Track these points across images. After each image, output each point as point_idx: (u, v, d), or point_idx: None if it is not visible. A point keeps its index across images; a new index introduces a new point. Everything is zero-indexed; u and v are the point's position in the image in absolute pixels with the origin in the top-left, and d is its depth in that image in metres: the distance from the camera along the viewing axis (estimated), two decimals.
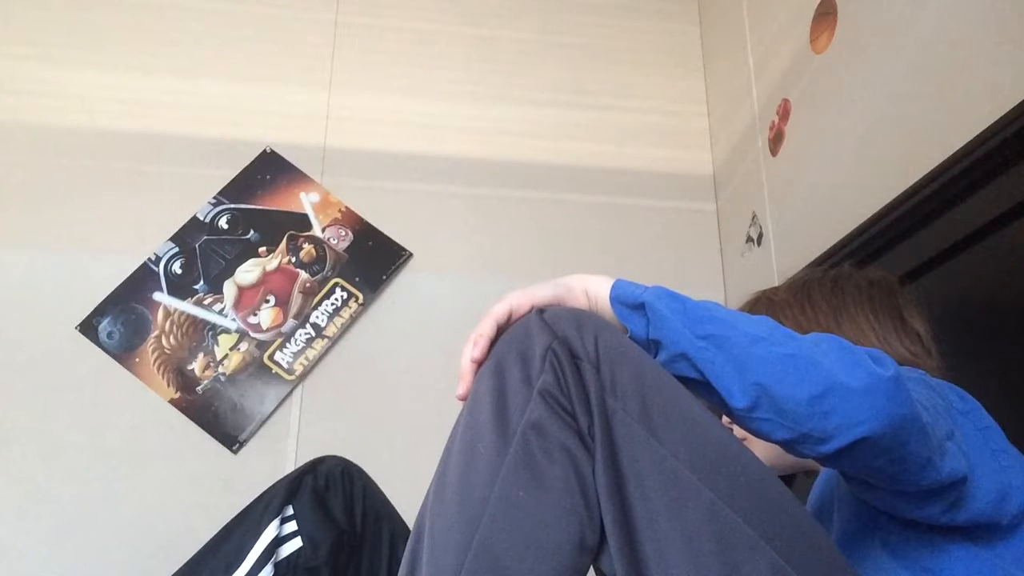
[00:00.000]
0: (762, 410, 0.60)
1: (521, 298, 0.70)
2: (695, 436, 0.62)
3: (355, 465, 1.17)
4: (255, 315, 1.79)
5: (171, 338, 1.75)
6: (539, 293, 0.71)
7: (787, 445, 0.61)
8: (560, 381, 0.63)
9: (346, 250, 1.87)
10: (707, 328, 0.63)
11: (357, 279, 1.85)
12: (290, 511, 1.08)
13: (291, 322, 1.79)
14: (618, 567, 0.59)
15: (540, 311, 0.68)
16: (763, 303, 0.93)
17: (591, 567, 0.64)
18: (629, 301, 0.69)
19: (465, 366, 0.68)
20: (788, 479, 1.01)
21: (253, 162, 1.90)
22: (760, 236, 1.77)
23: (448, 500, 0.62)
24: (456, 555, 0.59)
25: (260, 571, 1.04)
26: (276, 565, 1.05)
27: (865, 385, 0.57)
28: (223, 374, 1.73)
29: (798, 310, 0.89)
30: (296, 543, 1.07)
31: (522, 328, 0.67)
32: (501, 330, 0.69)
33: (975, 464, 0.66)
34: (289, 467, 1.66)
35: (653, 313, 0.66)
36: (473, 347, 0.68)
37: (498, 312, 0.69)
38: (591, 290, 0.72)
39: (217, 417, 1.70)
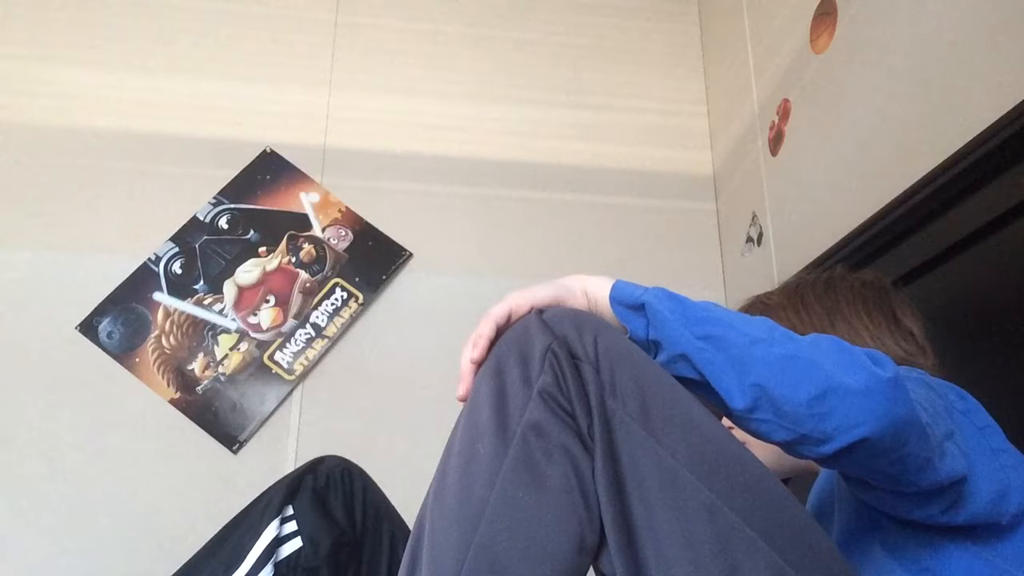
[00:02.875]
0: (761, 411, 0.60)
1: (520, 299, 0.70)
2: (694, 437, 0.62)
3: (355, 465, 1.16)
4: (255, 315, 1.79)
5: (171, 338, 1.75)
6: (538, 294, 0.71)
7: (786, 446, 0.61)
8: (560, 381, 0.63)
9: (346, 250, 1.87)
10: (706, 329, 0.63)
11: (357, 279, 1.85)
12: (290, 511, 1.08)
13: (291, 322, 1.79)
14: (618, 567, 0.59)
15: (539, 312, 0.68)
16: (757, 307, 0.94)
17: (591, 568, 0.64)
18: (628, 302, 0.69)
19: (465, 367, 0.68)
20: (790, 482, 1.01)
21: (253, 162, 1.90)
22: (760, 236, 1.77)
23: (448, 500, 0.62)
24: (456, 555, 0.59)
25: (260, 571, 1.04)
26: (276, 565, 1.05)
27: (864, 386, 0.57)
28: (223, 374, 1.73)
29: (792, 313, 0.89)
30: (296, 543, 1.07)
31: (521, 329, 0.67)
32: (501, 331, 0.69)
33: (974, 464, 0.66)
34: (289, 467, 1.66)
35: (653, 314, 0.66)
36: (472, 348, 0.68)
37: (497, 313, 0.69)
38: (590, 291, 0.72)
39: (217, 417, 1.70)
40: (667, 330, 0.65)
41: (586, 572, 0.62)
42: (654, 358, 0.67)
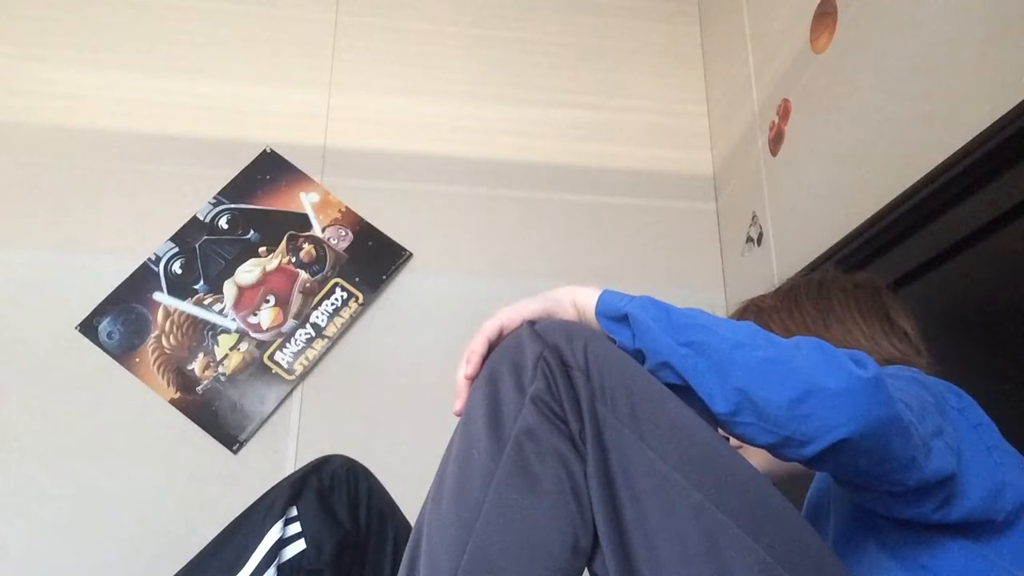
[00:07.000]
0: (744, 414, 0.60)
1: (511, 313, 0.72)
2: (682, 440, 0.63)
3: (360, 465, 1.15)
4: (255, 315, 1.79)
5: (171, 338, 1.75)
6: (529, 308, 0.73)
7: (771, 449, 0.62)
8: (551, 388, 0.64)
9: (346, 250, 1.87)
10: (689, 335, 0.64)
11: (357, 279, 1.85)
12: (294, 512, 1.07)
13: (291, 322, 1.79)
14: (610, 568, 0.60)
15: (531, 323, 0.70)
16: (751, 311, 0.94)
17: (586, 570, 0.64)
18: (612, 314, 0.70)
19: (460, 383, 0.70)
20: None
21: (253, 162, 1.91)
22: (760, 236, 1.77)
23: (445, 504, 0.63)
24: (452, 557, 0.60)
25: (263, 574, 1.03)
26: (279, 568, 1.04)
27: (844, 387, 0.57)
28: (223, 374, 1.73)
29: (786, 315, 0.90)
30: (300, 545, 1.06)
31: (514, 340, 0.69)
32: (493, 346, 0.71)
33: (967, 461, 0.66)
34: (289, 467, 1.67)
35: (636, 324, 0.67)
36: (466, 364, 0.70)
37: (489, 329, 0.71)
38: (579, 302, 0.74)
39: (217, 417, 1.70)
40: (650, 339, 0.66)
41: (581, 574, 0.62)
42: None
